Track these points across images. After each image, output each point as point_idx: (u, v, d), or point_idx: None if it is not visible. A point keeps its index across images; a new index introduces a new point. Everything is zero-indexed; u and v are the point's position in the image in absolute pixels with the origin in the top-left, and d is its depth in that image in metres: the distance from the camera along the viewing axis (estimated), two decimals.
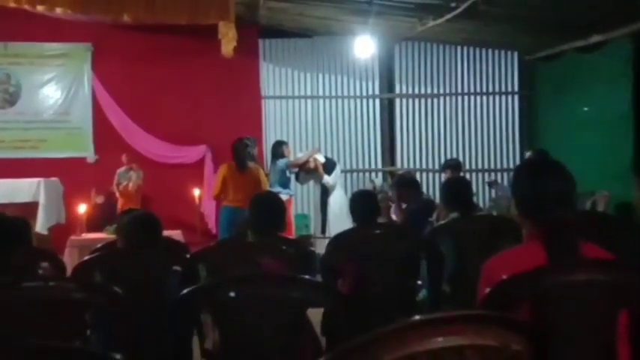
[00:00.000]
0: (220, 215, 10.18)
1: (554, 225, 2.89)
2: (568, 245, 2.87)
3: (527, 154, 11.50)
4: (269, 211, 4.92)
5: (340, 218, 10.82)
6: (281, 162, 10.99)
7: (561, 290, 2.73)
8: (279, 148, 11.21)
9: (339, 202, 11.15)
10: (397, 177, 8.73)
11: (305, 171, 11.34)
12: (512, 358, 2.18)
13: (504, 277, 2.74)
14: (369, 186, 11.10)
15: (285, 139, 12.22)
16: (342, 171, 11.90)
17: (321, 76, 13.38)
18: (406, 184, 8.10)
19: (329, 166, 11.34)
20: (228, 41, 10.09)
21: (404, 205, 8.18)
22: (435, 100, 13.45)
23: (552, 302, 2.72)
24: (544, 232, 2.91)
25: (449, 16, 9.89)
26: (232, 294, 3.30)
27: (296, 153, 11.82)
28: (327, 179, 11.24)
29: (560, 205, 2.93)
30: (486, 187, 13.10)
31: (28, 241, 5.58)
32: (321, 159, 11.33)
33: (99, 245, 5.64)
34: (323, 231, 11.33)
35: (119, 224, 5.82)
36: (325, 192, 11.37)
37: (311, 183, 11.88)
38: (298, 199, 12.73)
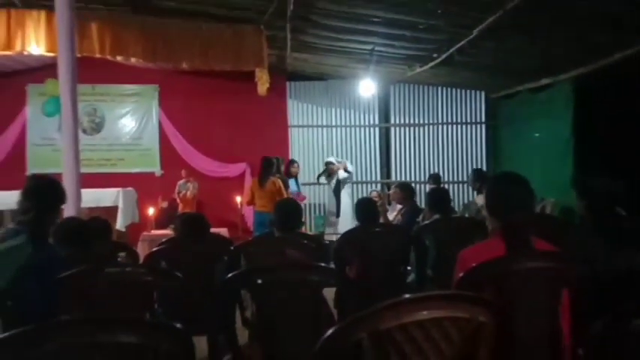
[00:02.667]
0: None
1: (512, 224, 2.91)
2: (522, 240, 2.88)
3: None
4: (289, 213, 4.93)
5: (349, 219, 10.88)
6: (292, 186, 10.93)
7: (517, 275, 2.74)
8: (291, 167, 11.25)
9: (348, 206, 11.20)
10: (400, 183, 8.72)
11: (329, 173, 11.62)
12: (480, 327, 2.19)
13: (473, 264, 2.75)
14: (373, 194, 11.05)
15: (306, 158, 12.50)
16: (348, 181, 11.84)
17: (333, 110, 13.38)
18: (405, 190, 8.11)
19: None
20: (262, 83, 10.13)
21: (399, 206, 8.17)
22: (422, 128, 13.43)
23: (510, 284, 2.74)
24: (504, 229, 2.93)
25: (432, 64, 9.95)
26: (266, 278, 3.31)
27: (328, 157, 12.11)
28: (342, 173, 11.52)
29: (519, 208, 2.95)
30: (461, 195, 13.10)
31: (109, 236, 5.62)
32: (350, 168, 11.73)
33: (164, 240, 5.64)
34: (337, 215, 11.36)
35: (175, 223, 5.86)
36: (338, 185, 11.52)
37: (326, 187, 11.99)
38: (315, 203, 12.90)
